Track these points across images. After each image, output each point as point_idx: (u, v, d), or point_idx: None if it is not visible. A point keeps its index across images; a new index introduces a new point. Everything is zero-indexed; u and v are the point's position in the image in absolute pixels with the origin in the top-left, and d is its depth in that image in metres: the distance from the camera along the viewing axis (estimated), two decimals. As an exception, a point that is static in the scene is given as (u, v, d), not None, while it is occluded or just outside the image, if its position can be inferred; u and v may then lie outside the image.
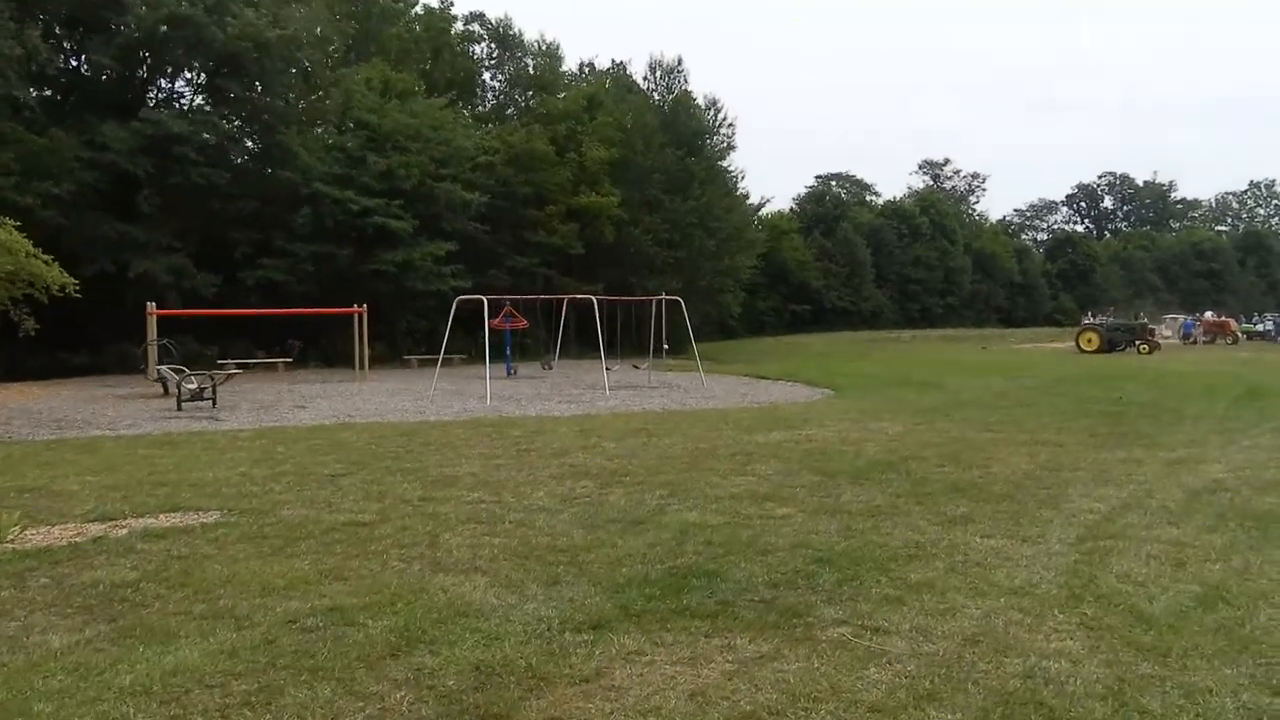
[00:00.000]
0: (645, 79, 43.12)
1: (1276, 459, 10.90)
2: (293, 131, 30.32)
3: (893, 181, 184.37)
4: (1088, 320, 45.12)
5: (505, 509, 8.16)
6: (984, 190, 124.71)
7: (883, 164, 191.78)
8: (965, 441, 12.35)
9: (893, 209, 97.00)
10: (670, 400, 19.60)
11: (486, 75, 42.54)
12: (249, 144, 31.68)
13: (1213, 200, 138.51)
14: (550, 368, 29.24)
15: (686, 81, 41.65)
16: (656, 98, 41.68)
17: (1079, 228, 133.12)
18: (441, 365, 30.37)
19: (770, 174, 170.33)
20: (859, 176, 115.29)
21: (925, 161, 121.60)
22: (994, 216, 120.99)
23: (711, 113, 41.83)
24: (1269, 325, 56.40)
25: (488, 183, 34.30)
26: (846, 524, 7.55)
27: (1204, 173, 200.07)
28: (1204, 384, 22.44)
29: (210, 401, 18.06)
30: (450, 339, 34.07)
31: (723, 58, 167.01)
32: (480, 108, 42.49)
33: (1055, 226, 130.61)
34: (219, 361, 29.49)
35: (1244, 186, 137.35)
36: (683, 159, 39.00)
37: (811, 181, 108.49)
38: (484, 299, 21.33)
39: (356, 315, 27.72)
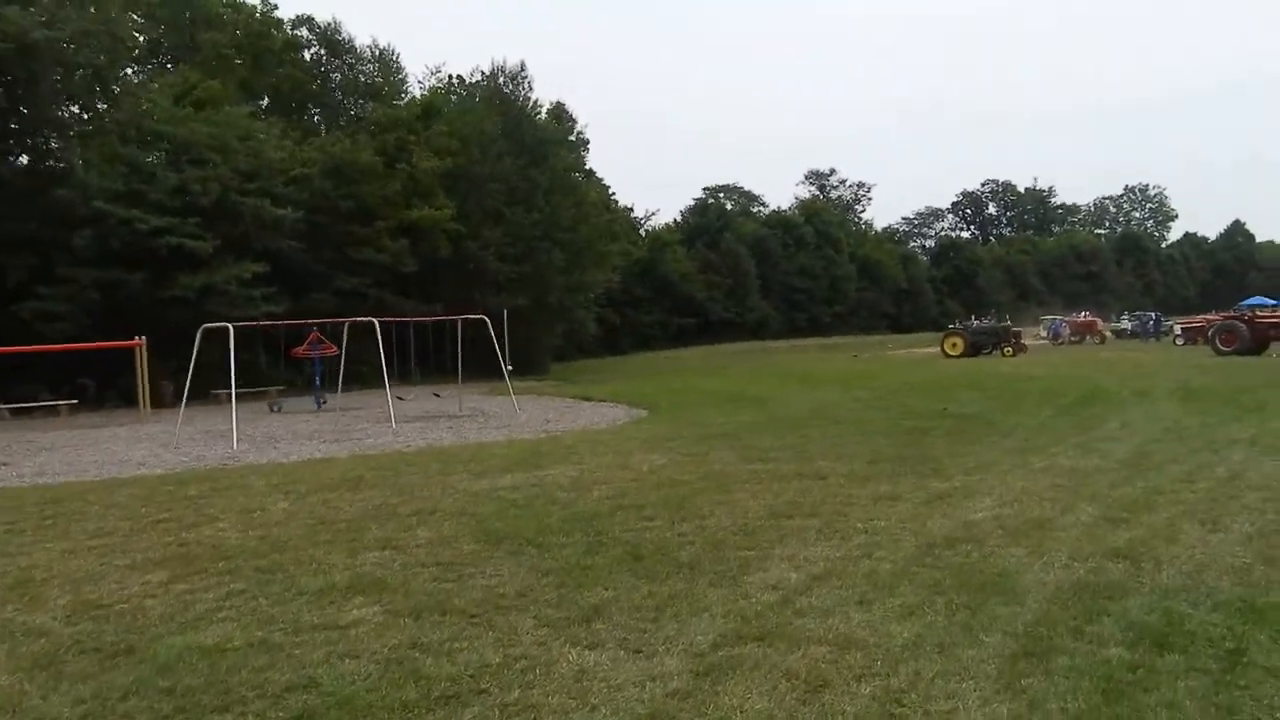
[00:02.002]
0: (484, 85, 40.69)
1: (1057, 486, 9.20)
2: (72, 145, 27.18)
3: (782, 192, 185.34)
4: (953, 325, 44.35)
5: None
6: (870, 199, 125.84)
7: (772, 176, 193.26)
8: (717, 478, 10.41)
9: (777, 219, 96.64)
10: (454, 433, 17.37)
11: (317, 84, 39.46)
12: (19, 159, 28.35)
13: (1091, 205, 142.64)
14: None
15: (531, 89, 39.55)
16: (497, 104, 39.31)
17: (965, 234, 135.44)
18: (240, 399, 27.75)
19: (660, 187, 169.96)
20: (747, 188, 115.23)
21: (811, 172, 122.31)
22: (881, 225, 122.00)
23: (558, 121, 39.76)
24: (1130, 324, 56.80)
25: (302, 197, 31.57)
26: (422, 636, 5.40)
27: (1081, 179, 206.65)
28: (1044, 388, 21.15)
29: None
30: (267, 370, 31.58)
31: (608, 66, 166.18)
32: (309, 119, 39.61)
33: (942, 233, 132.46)
34: (-13, 406, 26.38)
35: (1120, 191, 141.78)
36: (525, 169, 36.78)
37: (700, 194, 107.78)
38: (229, 326, 18.60)
39: (136, 348, 24.87)
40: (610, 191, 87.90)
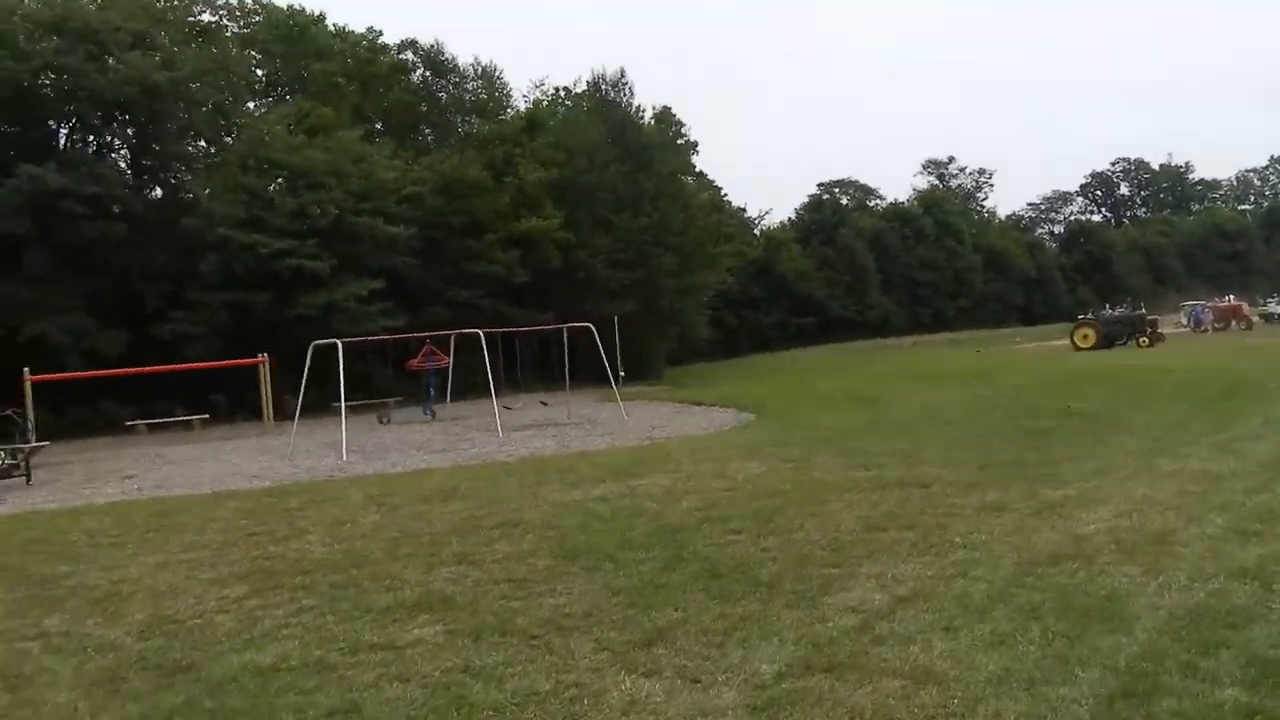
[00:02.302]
0: (587, 95, 40.82)
1: (1185, 492, 8.43)
2: (198, 176, 28.49)
3: (900, 184, 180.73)
4: (1083, 316, 42.18)
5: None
6: (992, 186, 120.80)
7: (888, 168, 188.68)
8: (814, 487, 9.98)
9: (895, 212, 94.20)
10: (558, 441, 17.35)
11: (425, 105, 40.35)
12: (153, 192, 29.87)
13: (1233, 179, 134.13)
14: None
15: (632, 94, 39.48)
16: (600, 112, 39.36)
17: (1096, 217, 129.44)
18: (357, 412, 28.50)
19: (775, 186, 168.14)
20: (863, 181, 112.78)
21: (929, 161, 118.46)
22: (1006, 212, 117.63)
23: (663, 125, 39.57)
24: (1277, 310, 52.91)
25: (416, 215, 32.27)
26: (477, 659, 5.23)
27: (1222, 153, 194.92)
28: (1180, 381, 19.82)
29: (24, 477, 16.01)
30: (387, 383, 32.35)
31: (719, 74, 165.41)
32: (421, 138, 40.49)
33: (1072, 218, 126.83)
34: (128, 423, 27.82)
35: (1264, 163, 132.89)
36: (631, 174, 36.72)
37: (814, 191, 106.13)
38: (338, 342, 19.04)
39: (260, 365, 25.83)
40: (722, 192, 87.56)
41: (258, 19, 43.47)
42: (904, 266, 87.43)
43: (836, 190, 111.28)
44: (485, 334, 20.22)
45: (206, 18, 39.18)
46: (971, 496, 8.91)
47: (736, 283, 76.42)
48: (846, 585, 6.22)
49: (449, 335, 23.41)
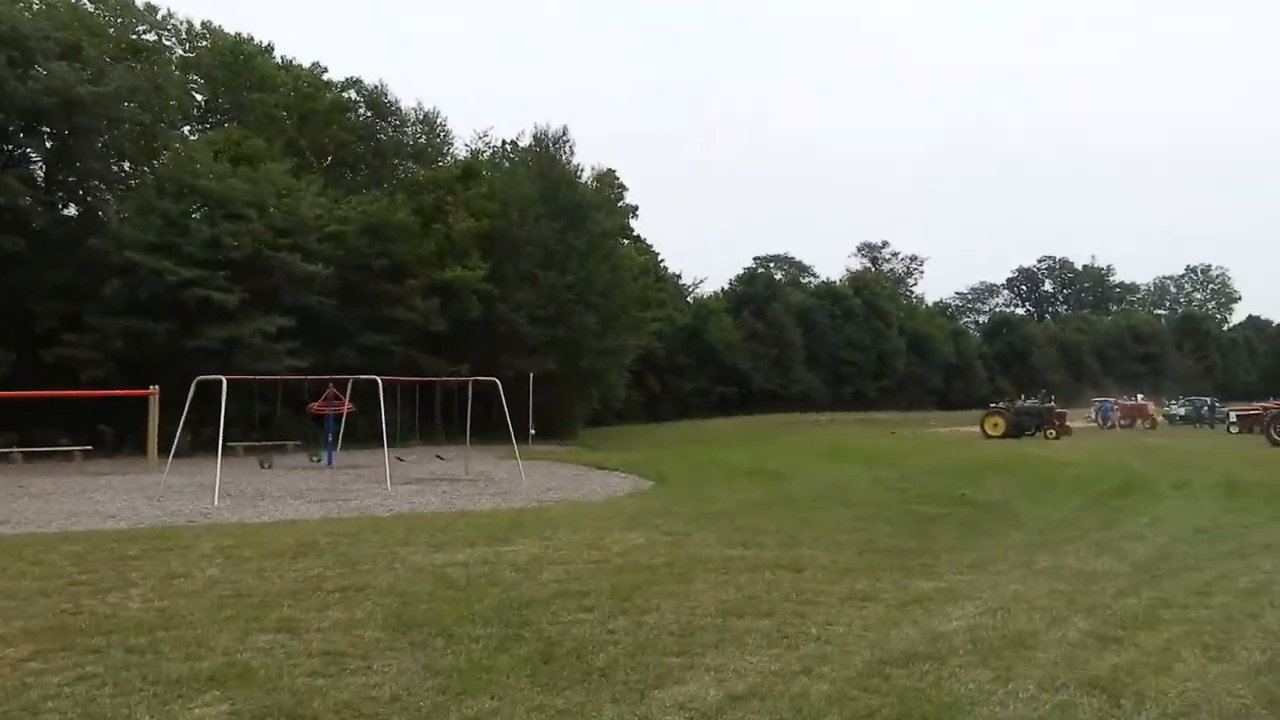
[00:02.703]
0: (528, 149, 40.71)
1: (1056, 592, 8.20)
2: (116, 197, 27.50)
3: (834, 264, 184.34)
4: (995, 405, 42.86)
5: None
6: (922, 273, 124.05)
7: (825, 247, 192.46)
8: (685, 564, 9.55)
9: (826, 290, 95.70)
10: (444, 498, 16.68)
11: (362, 145, 39.75)
12: (65, 209, 28.75)
13: (1151, 284, 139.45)
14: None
15: (572, 153, 39.49)
16: (537, 167, 39.21)
17: (1020, 311, 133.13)
18: (254, 453, 27.53)
19: (713, 256, 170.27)
20: (798, 258, 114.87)
21: (864, 243, 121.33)
22: (934, 299, 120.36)
23: (601, 186, 39.53)
24: (1183, 409, 54.52)
25: (336, 254, 31.56)
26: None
27: (1141, 257, 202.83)
28: (1079, 475, 19.94)
29: None
30: (284, 424, 31.29)
31: (670, 132, 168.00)
32: (355, 178, 39.86)
33: (997, 309, 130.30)
34: (3, 451, 26.38)
35: (1181, 271, 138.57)
36: (562, 231, 36.51)
37: (750, 263, 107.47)
38: (223, 379, 18.25)
39: (150, 397, 24.72)
40: (659, 258, 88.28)
41: (204, 43, 42.82)
42: (830, 345, 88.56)
43: (772, 265, 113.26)
44: (383, 382, 19.43)
45: (151, 37, 38.44)
46: (841, 584, 8.58)
47: (664, 348, 76.85)
48: (684, 678, 5.78)
49: (346, 380, 22.58)
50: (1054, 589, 8.39)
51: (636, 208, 72.23)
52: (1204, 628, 6.98)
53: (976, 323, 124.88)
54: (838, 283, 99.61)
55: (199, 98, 43.70)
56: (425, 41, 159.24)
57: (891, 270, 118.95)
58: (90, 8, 31.87)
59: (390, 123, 39.85)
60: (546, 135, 39.55)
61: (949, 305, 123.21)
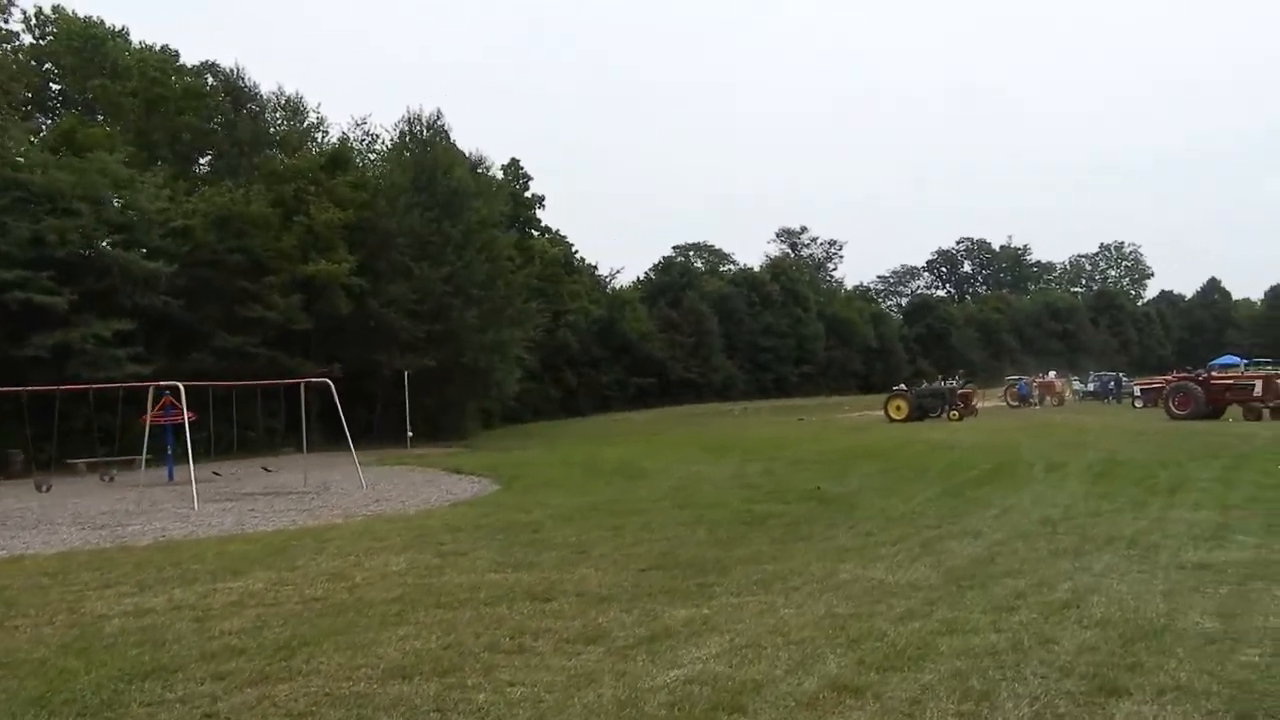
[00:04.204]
0: (400, 134, 38.65)
1: (831, 616, 6.74)
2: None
3: (755, 251, 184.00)
4: (898, 387, 41.93)
5: None
6: (841, 257, 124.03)
7: (746, 235, 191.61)
8: (420, 595, 7.98)
9: (743, 277, 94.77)
10: (237, 518, 14.84)
11: (218, 132, 37.18)
12: None
13: (1066, 263, 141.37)
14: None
15: (448, 138, 37.42)
16: (409, 154, 37.10)
17: (941, 293, 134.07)
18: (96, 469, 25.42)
19: (633, 247, 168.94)
20: (718, 246, 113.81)
21: (783, 229, 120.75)
22: (854, 283, 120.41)
23: (480, 173, 37.58)
24: (1091, 385, 54.37)
25: (182, 250, 29.24)
26: None
27: (1057, 237, 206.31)
28: (953, 461, 18.79)
29: None
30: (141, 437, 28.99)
31: (586, 122, 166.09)
32: (210, 169, 37.41)
33: (918, 292, 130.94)
34: None
35: (1095, 249, 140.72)
36: (436, 221, 34.51)
37: (669, 252, 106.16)
38: (21, 390, 16.13)
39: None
40: (573, 249, 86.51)
41: (51, 30, 40.08)
42: (749, 332, 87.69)
43: (691, 253, 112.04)
44: (185, 388, 17.45)
45: (3, 24, 35.80)
46: (579, 619, 7.02)
47: (578, 340, 75.18)
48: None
49: (147, 388, 20.45)
50: (832, 613, 6.92)
51: (543, 198, 70.48)
52: (979, 664, 5.53)
53: (899, 305, 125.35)
54: (756, 270, 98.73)
55: (55, 87, 40.97)
56: (308, 24, 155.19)
57: (811, 256, 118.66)
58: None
59: (249, 109, 37.34)
60: (420, 120, 37.52)
61: (869, 289, 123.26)
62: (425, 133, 37.48)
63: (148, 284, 28.03)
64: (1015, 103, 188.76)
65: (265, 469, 23.77)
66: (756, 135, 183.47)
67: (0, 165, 26.20)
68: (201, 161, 37.86)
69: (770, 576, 8.34)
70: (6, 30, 38.21)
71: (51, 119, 37.56)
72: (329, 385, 19.68)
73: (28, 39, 40.37)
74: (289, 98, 39.29)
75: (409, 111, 37.73)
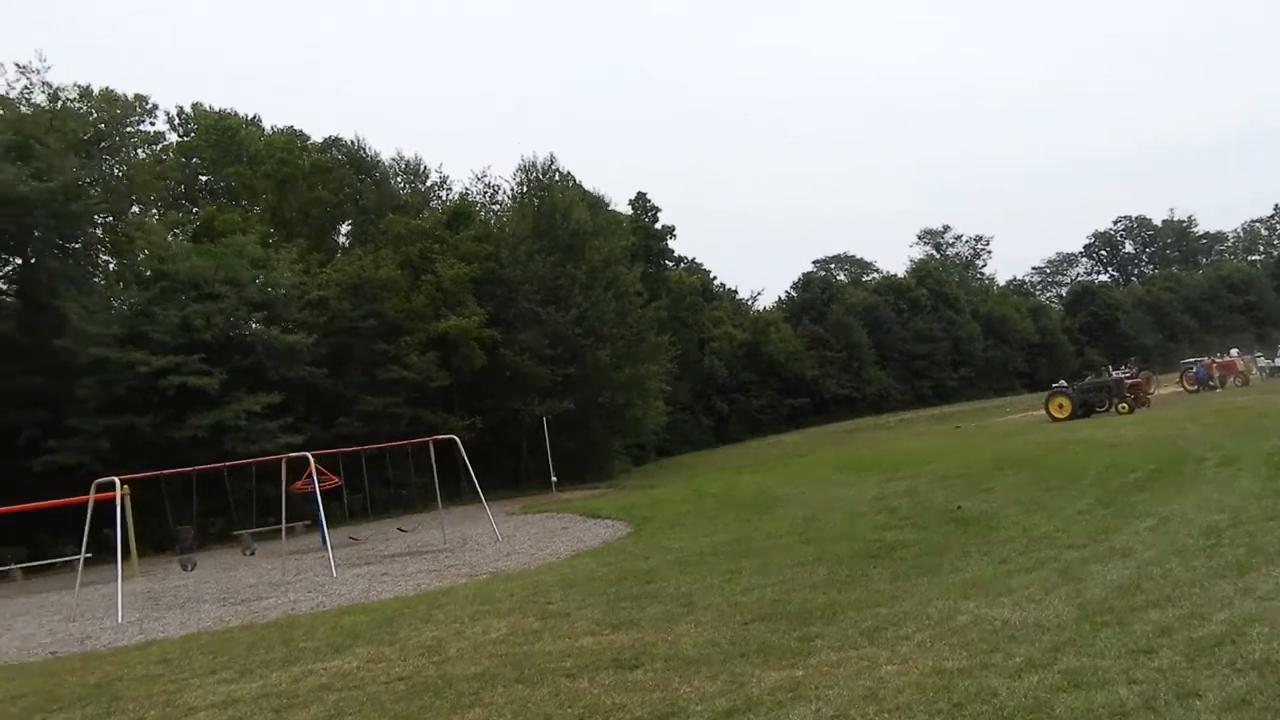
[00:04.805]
0: (518, 183, 39.25)
1: (938, 671, 5.94)
2: (71, 293, 26.75)
3: (898, 256, 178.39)
4: (1057, 384, 39.25)
5: None
6: (990, 253, 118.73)
7: (888, 242, 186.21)
8: (495, 673, 7.57)
9: (888, 285, 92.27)
10: (373, 583, 14.91)
11: (345, 204, 38.75)
12: (34, 313, 28.12)
13: (1239, 230, 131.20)
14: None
15: (565, 182, 37.68)
16: (535, 201, 37.59)
17: (1104, 277, 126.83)
18: (262, 538, 26.35)
19: (773, 266, 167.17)
20: (859, 256, 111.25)
21: (925, 231, 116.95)
22: (1007, 278, 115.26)
23: (595, 211, 37.64)
24: (1278, 361, 49.59)
25: (320, 320, 30.36)
26: None
27: (1222, 205, 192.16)
28: (1113, 461, 17.15)
29: None
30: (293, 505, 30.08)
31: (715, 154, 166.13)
32: (339, 240, 38.93)
33: (1079, 279, 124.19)
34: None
35: (1270, 212, 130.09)
36: (559, 265, 34.78)
37: (809, 267, 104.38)
38: (115, 480, 16.82)
39: (120, 496, 23.58)
40: (711, 275, 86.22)
41: (193, 126, 42.78)
42: (900, 340, 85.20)
43: (833, 266, 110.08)
44: (317, 455, 17.83)
45: (151, 127, 38.60)
46: (663, 688, 6.47)
47: (725, 366, 74.59)
48: None
49: (280, 458, 20.97)
50: (940, 667, 6.11)
51: (673, 228, 70.33)
52: (1103, 729, 4.67)
53: (1059, 296, 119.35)
54: (900, 276, 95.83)
55: (203, 178, 43.51)
56: (441, 94, 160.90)
57: (958, 255, 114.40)
58: (45, 104, 31.37)
59: (372, 177, 38.77)
60: (535, 166, 38.02)
61: (1025, 282, 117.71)
62: (542, 178, 37.99)
63: (291, 357, 29.16)
64: (1154, 59, 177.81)
65: (401, 529, 24.12)
66: (886, 136, 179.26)
67: (149, 260, 27.87)
68: (338, 233, 39.44)
69: (882, 622, 7.56)
70: (154, 132, 41.14)
71: (198, 209, 39.99)
72: (455, 441, 19.76)
73: (174, 137, 43.10)
74: (408, 161, 40.75)
75: (523, 160, 38.51)
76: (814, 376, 78.04)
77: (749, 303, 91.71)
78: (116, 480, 17.13)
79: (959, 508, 13.91)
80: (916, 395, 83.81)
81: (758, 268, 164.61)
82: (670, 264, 72.19)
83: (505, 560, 15.89)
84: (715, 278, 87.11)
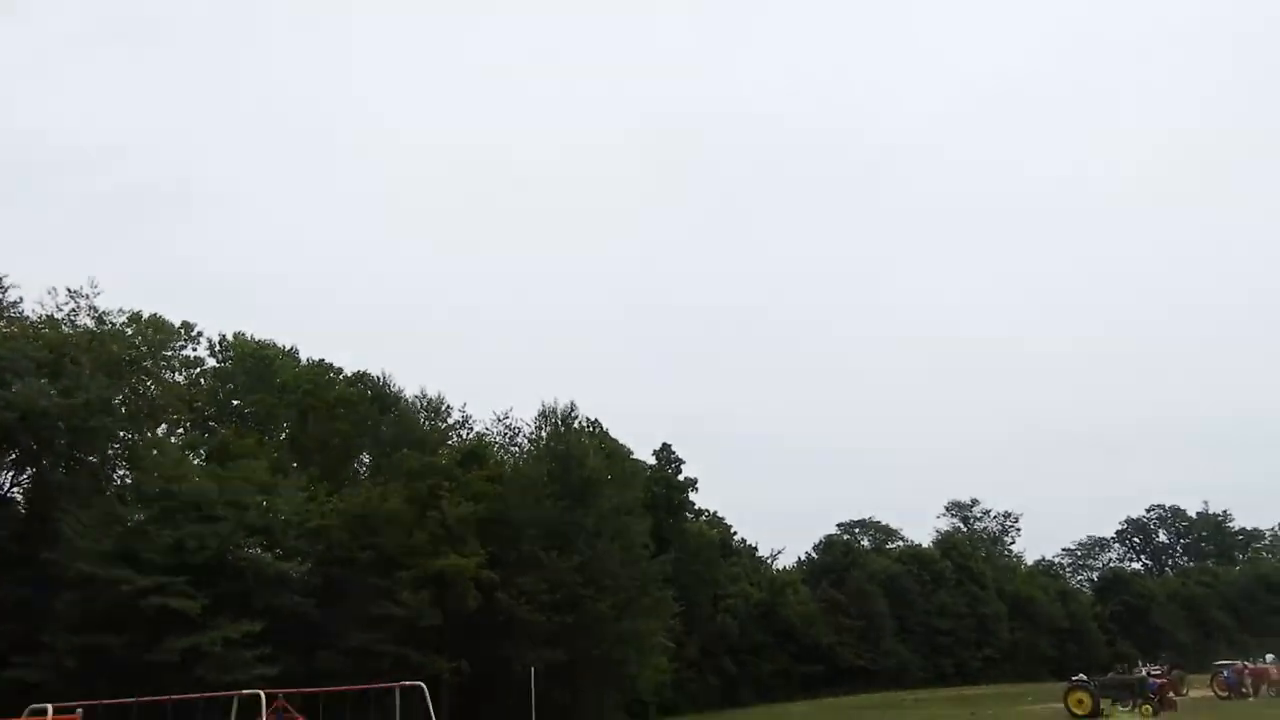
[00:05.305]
0: (536, 429, 39.72)
1: None
2: (71, 506, 26.81)
3: (923, 526, 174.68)
4: (1077, 678, 37.23)
5: None
6: (1019, 530, 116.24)
7: (912, 509, 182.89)
8: None
9: (912, 554, 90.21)
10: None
11: (363, 437, 39.35)
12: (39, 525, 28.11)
13: (1276, 528, 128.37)
14: None
15: (582, 428, 38.09)
16: (551, 445, 37.89)
17: (1136, 565, 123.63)
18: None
19: (798, 525, 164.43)
20: (885, 522, 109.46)
21: (952, 503, 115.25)
22: (1035, 558, 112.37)
23: (611, 460, 37.78)
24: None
25: (316, 549, 29.98)
26: None
27: (1258, 499, 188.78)
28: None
29: None
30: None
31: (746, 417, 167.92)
32: (356, 472, 39.14)
33: (1110, 565, 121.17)
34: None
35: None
36: (569, 509, 34.49)
37: (834, 530, 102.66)
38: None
39: (72, 723, 22.48)
40: (731, 530, 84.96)
41: (230, 354, 44.20)
42: (922, 613, 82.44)
43: (857, 530, 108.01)
44: (276, 694, 16.98)
45: (192, 352, 40.13)
46: None
47: (738, 625, 72.09)
48: None
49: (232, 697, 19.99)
50: None
51: (695, 481, 70.11)
52: None
53: (1090, 580, 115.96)
54: (925, 546, 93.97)
55: (235, 402, 44.44)
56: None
57: (985, 529, 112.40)
58: (91, 325, 32.75)
59: (393, 413, 39.55)
60: (555, 412, 38.56)
61: (1054, 564, 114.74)
62: (560, 425, 38.46)
63: (280, 583, 28.60)
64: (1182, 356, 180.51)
65: None
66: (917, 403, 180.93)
67: (157, 479, 28.09)
68: (355, 466, 39.66)
69: None
70: (194, 357, 42.72)
71: (201, 428, 40.62)
72: (422, 689, 18.86)
73: (212, 362, 44.47)
74: (430, 399, 41.56)
75: (544, 405, 39.24)
76: (830, 643, 75.07)
77: (768, 561, 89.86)
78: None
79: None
80: (937, 672, 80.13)
81: (780, 528, 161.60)
82: (690, 516, 71.54)
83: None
84: (735, 533, 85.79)
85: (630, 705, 42.64)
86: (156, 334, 40.43)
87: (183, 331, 41.85)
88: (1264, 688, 42.41)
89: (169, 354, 41.51)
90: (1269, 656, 51.93)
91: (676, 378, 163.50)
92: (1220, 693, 42.78)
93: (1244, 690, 42.46)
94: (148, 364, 37.11)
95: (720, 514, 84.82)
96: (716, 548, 73.19)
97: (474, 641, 32.27)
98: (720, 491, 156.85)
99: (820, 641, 74.42)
